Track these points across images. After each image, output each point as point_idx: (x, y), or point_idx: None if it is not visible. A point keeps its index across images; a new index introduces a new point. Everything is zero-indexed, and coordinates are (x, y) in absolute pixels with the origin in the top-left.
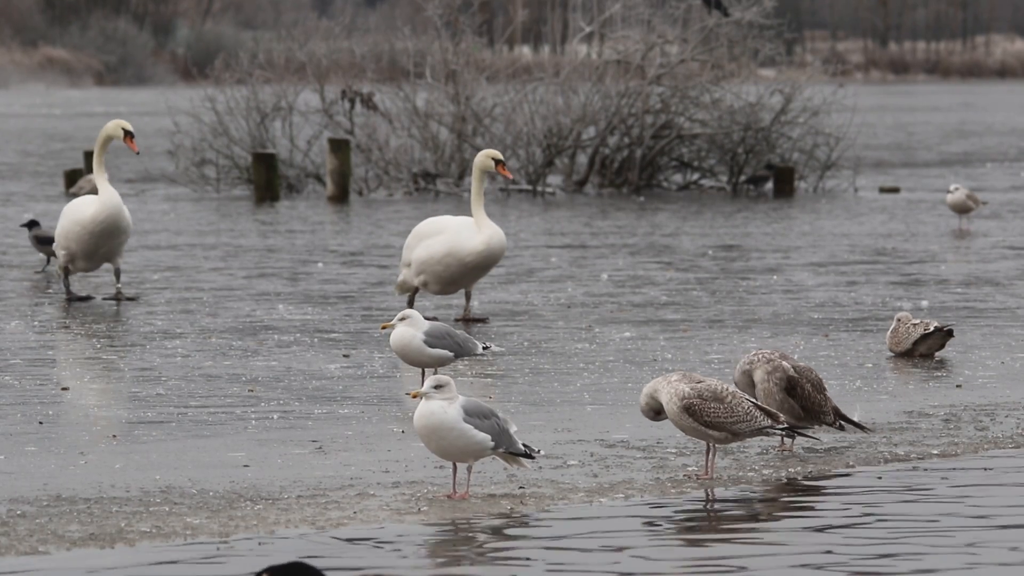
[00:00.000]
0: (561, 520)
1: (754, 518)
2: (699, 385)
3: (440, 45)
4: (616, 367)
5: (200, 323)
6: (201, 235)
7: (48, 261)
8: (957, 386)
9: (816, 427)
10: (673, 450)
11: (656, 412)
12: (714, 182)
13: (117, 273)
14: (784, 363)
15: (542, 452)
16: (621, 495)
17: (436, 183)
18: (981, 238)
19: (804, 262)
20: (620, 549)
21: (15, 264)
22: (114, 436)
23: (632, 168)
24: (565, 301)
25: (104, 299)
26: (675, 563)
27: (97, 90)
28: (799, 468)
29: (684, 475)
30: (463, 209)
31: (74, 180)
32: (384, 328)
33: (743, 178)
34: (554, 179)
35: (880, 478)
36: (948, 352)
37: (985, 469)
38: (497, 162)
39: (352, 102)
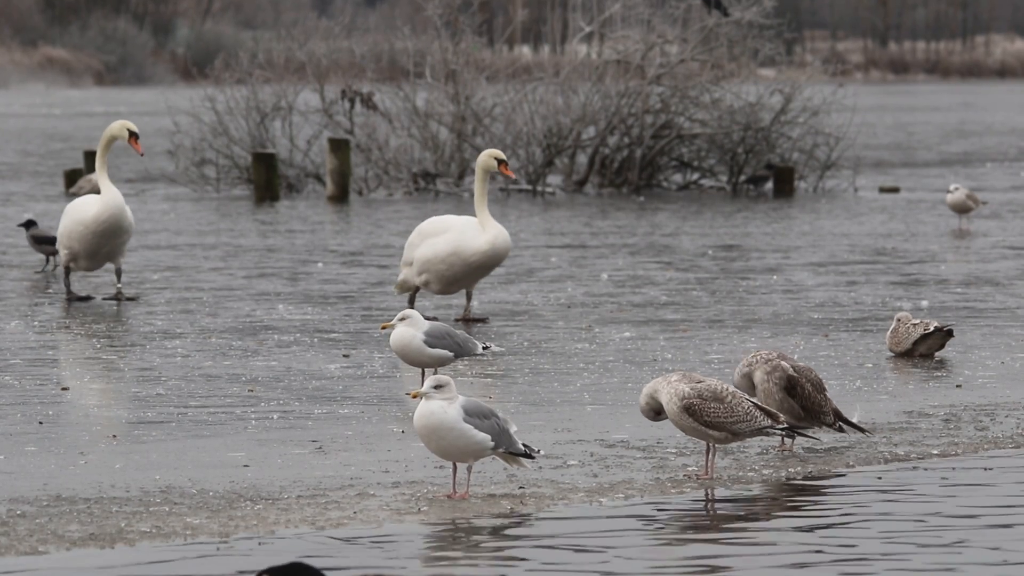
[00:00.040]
0: (561, 520)
1: (754, 518)
2: (699, 385)
3: (440, 45)
4: (616, 367)
5: (200, 323)
6: (201, 235)
7: (48, 261)
8: (957, 386)
9: (816, 428)
10: (673, 450)
11: (656, 412)
12: (714, 182)
13: (118, 273)
14: (783, 363)
15: (542, 452)
16: (621, 495)
17: (436, 183)
18: (981, 238)
19: (804, 262)
20: (620, 549)
21: (15, 264)
22: (114, 436)
23: (632, 168)
24: (565, 301)
25: (104, 299)
26: (675, 563)
27: (97, 90)
28: (799, 468)
29: (684, 475)
30: (463, 209)
31: (74, 180)
32: (384, 328)
33: (743, 178)
34: (554, 179)
35: (880, 478)
36: (948, 352)
37: (985, 469)
38: (500, 162)
39: (352, 102)
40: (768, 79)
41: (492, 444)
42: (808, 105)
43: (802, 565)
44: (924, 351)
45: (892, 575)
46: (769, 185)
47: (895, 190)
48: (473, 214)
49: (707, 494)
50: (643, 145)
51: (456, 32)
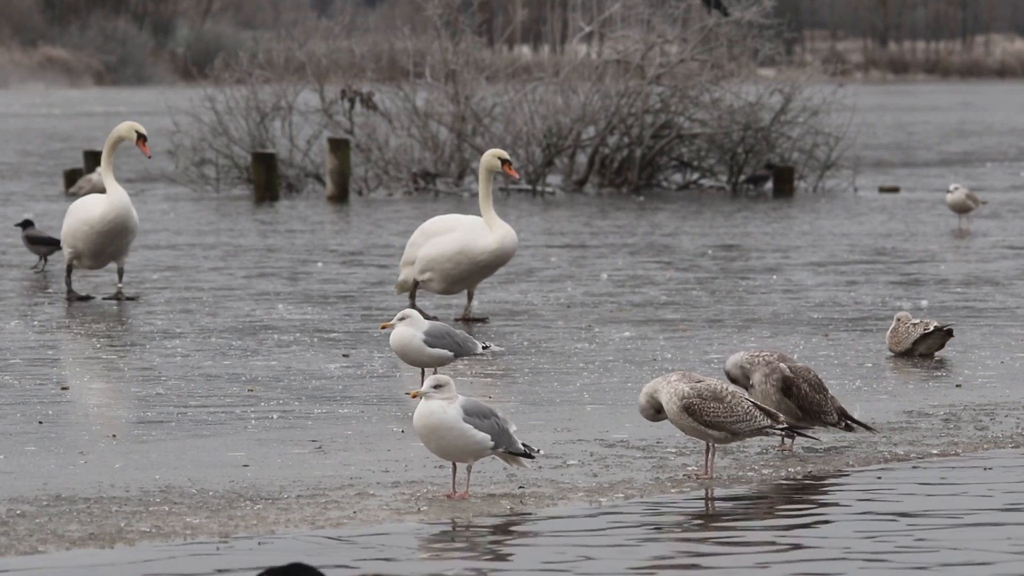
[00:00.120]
0: (561, 520)
1: (754, 518)
2: (699, 385)
3: (440, 45)
4: (616, 367)
5: (200, 323)
6: (201, 235)
7: (44, 260)
8: (957, 386)
9: (818, 427)
10: (673, 450)
11: (656, 411)
12: (714, 182)
13: (120, 272)
14: (781, 364)
15: (542, 452)
16: (621, 495)
17: (436, 183)
18: (981, 238)
19: (804, 262)
20: (620, 549)
21: (15, 264)
22: (114, 436)
23: (632, 168)
24: (565, 301)
25: (104, 299)
26: (675, 563)
27: (97, 90)
28: (799, 468)
29: (684, 475)
30: (463, 208)
31: (74, 180)
32: (384, 328)
33: (743, 178)
34: (554, 179)
35: (880, 478)
36: (948, 352)
37: (985, 469)
38: (503, 161)
39: (352, 102)
40: (768, 79)
41: (492, 444)
42: (808, 105)
43: (802, 565)
44: (924, 351)
45: (893, 574)
46: (769, 185)
47: (895, 190)
48: (474, 213)
49: (707, 494)
50: (643, 145)
51: (456, 32)
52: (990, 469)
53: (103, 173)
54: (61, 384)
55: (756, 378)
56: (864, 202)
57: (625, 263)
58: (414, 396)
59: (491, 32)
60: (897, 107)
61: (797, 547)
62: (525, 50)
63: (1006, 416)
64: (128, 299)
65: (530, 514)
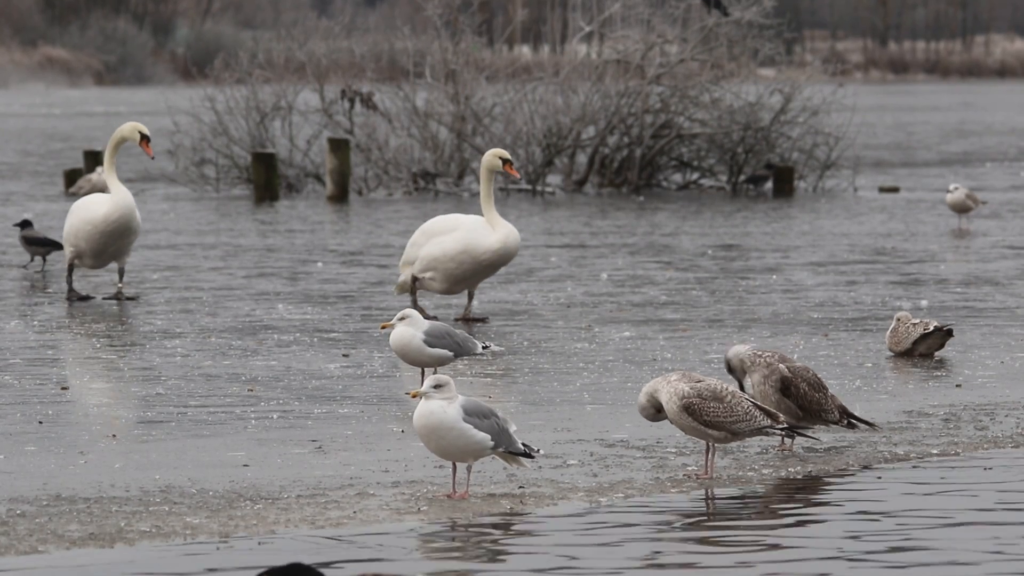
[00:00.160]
0: (561, 520)
1: (754, 518)
2: (699, 384)
3: (440, 45)
4: (616, 367)
5: (200, 323)
6: (201, 235)
7: (40, 261)
8: (957, 386)
9: (819, 427)
10: (673, 449)
11: (656, 411)
12: (714, 182)
13: (121, 272)
14: (780, 365)
15: (542, 452)
16: (621, 495)
17: (436, 183)
18: (981, 238)
19: (804, 262)
20: (619, 548)
21: (15, 264)
22: (114, 436)
23: (632, 168)
24: (565, 301)
25: (104, 299)
26: (674, 563)
27: (97, 90)
28: (799, 468)
29: (684, 475)
30: (463, 208)
31: (74, 180)
32: (384, 328)
33: (743, 178)
34: (554, 179)
35: (880, 478)
36: (948, 352)
37: (985, 468)
38: (505, 161)
39: (352, 102)
40: (768, 79)
41: (492, 444)
42: (808, 105)
43: (802, 564)
44: (924, 351)
45: (892, 574)
46: (769, 185)
47: (895, 190)
48: (474, 213)
49: (707, 493)
50: (643, 145)
51: (456, 32)
52: (990, 469)
53: (106, 173)
54: (61, 384)
55: (755, 378)
56: (864, 202)
57: (625, 263)
58: (414, 396)
59: (491, 32)
60: (897, 107)
61: (797, 547)
62: (525, 50)
63: (1006, 416)
64: (128, 299)
65: (530, 514)
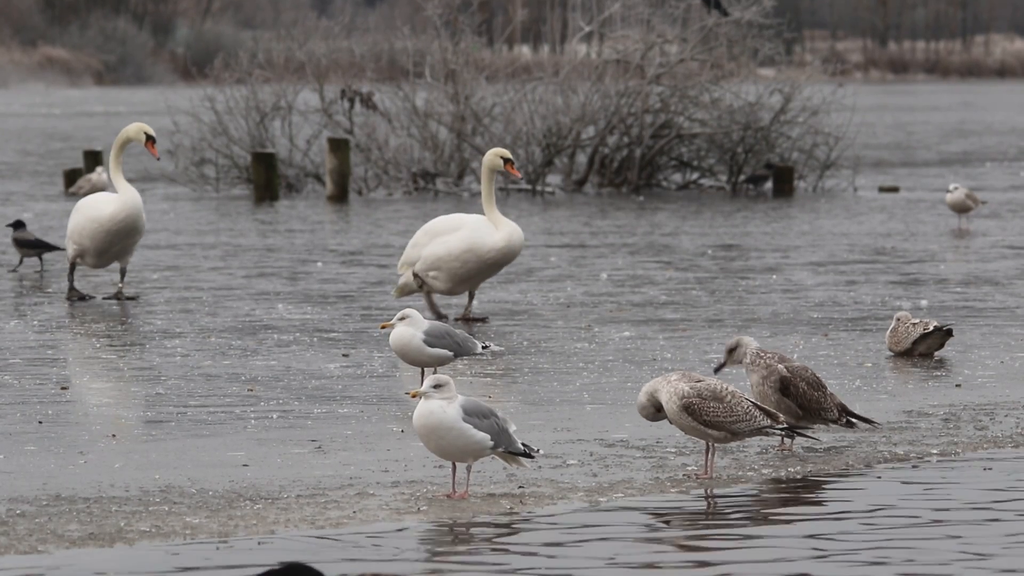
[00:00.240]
0: (560, 519)
1: (754, 518)
2: (698, 384)
3: (439, 45)
4: (615, 367)
5: (199, 323)
6: (200, 235)
7: (42, 261)
8: (957, 386)
9: (819, 426)
10: (672, 449)
11: (656, 410)
12: (713, 181)
13: (123, 272)
14: (779, 366)
15: (541, 451)
16: (621, 494)
17: (435, 183)
18: (980, 237)
19: (803, 261)
20: (619, 548)
21: (14, 264)
22: (113, 436)
23: (631, 167)
24: (565, 301)
25: (104, 299)
26: (674, 562)
27: (97, 89)
28: (799, 468)
29: (684, 474)
30: (462, 208)
31: (73, 180)
32: (384, 328)
33: (742, 177)
34: (553, 178)
35: (880, 477)
36: (948, 352)
37: (985, 468)
38: (506, 161)
39: (351, 102)
40: (768, 79)
41: (491, 443)
42: (808, 105)
43: (801, 564)
44: (924, 351)
45: (893, 573)
46: (769, 185)
47: (895, 190)
48: (474, 212)
49: (707, 493)
50: (643, 145)
51: (456, 32)
52: (990, 469)
53: (112, 173)
54: (61, 384)
55: (754, 379)
56: (864, 202)
57: (625, 263)
58: (414, 396)
59: (491, 32)
60: (897, 107)
61: (797, 547)
62: (525, 50)
63: (1006, 416)
64: (128, 299)
65: (530, 514)
